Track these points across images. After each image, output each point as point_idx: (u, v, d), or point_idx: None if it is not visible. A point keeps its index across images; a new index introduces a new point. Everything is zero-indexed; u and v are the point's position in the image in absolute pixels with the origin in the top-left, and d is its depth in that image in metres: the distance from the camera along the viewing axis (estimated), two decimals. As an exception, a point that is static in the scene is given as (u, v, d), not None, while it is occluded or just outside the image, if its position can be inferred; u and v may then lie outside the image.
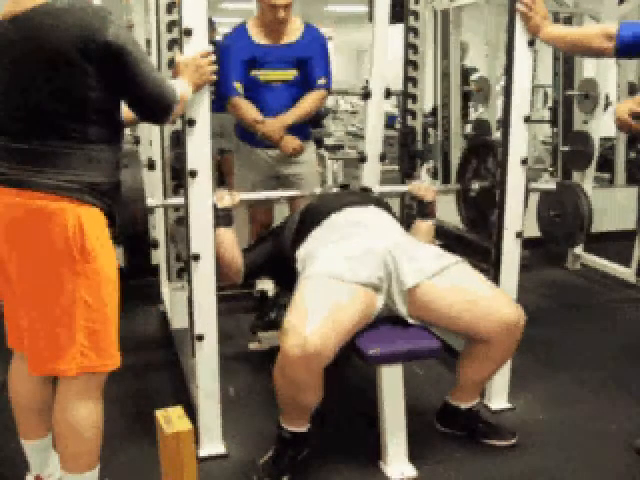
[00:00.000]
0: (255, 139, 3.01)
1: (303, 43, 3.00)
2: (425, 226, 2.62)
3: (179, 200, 2.18)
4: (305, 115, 2.99)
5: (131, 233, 2.02)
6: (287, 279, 2.38)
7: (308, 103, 2.98)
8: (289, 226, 2.49)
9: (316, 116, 5.65)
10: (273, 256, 2.50)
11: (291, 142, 2.93)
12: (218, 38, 4.43)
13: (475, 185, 2.72)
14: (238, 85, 2.93)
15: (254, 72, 2.97)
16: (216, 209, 2.17)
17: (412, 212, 2.85)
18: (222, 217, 2.27)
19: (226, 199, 2.34)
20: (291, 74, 3.00)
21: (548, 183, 4.31)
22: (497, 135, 4.60)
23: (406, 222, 2.97)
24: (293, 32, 2.99)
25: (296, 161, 3.12)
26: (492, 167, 2.63)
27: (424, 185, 2.70)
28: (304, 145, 3.11)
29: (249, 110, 2.93)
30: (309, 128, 3.30)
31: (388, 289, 2.16)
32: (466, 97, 5.48)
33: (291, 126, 2.95)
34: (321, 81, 3.00)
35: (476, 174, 2.74)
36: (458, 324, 2.14)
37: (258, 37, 2.97)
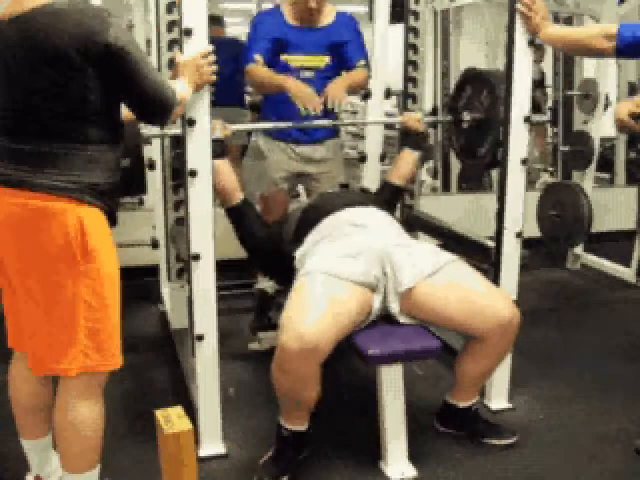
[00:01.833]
0: (287, 135, 2.88)
1: (336, 27, 2.85)
2: (411, 157, 2.75)
3: (176, 130, 2.14)
4: (354, 84, 2.78)
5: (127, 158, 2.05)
6: (286, 277, 2.38)
7: (355, 75, 2.80)
8: (289, 224, 2.49)
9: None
10: (272, 244, 2.48)
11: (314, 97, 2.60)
12: (229, 36, 4.41)
13: (467, 116, 2.70)
14: (258, 56, 2.75)
15: (284, 57, 2.82)
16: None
17: (405, 142, 2.83)
18: (214, 148, 2.23)
19: (218, 130, 2.35)
20: (323, 61, 2.84)
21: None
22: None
23: (406, 223, 2.97)
24: (325, 16, 2.85)
25: (323, 159, 2.98)
26: (484, 98, 2.60)
27: (416, 115, 2.78)
28: (330, 142, 2.99)
29: (265, 72, 2.73)
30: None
31: (384, 288, 2.16)
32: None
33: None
34: (361, 62, 2.84)
35: (468, 105, 2.71)
36: (453, 322, 2.14)
37: (291, 19, 2.83)
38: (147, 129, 2.33)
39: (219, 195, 2.38)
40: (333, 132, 3.05)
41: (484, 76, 2.67)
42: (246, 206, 2.49)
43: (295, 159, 2.96)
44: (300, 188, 3.16)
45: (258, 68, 2.75)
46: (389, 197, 2.72)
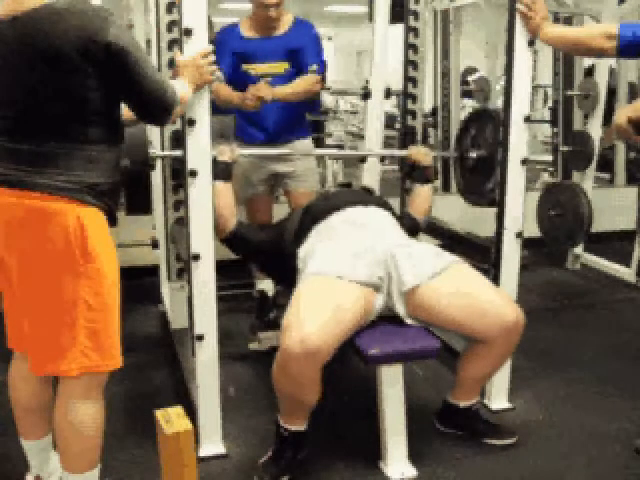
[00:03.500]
0: (252, 138, 2.99)
1: (293, 34, 2.96)
2: (426, 190, 2.74)
3: (178, 152, 2.18)
4: (293, 94, 2.87)
5: (133, 175, 2.11)
6: (287, 277, 2.38)
7: (298, 84, 2.88)
8: (290, 223, 2.48)
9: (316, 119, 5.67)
10: (272, 246, 2.48)
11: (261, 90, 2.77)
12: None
13: (473, 153, 2.72)
14: (219, 73, 2.78)
15: (245, 67, 2.94)
16: (215, 162, 2.22)
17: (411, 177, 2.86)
18: (221, 170, 2.26)
19: (226, 153, 2.37)
20: (282, 67, 2.94)
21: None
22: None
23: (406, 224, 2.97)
24: (283, 25, 2.96)
25: (293, 158, 3.09)
26: (490, 136, 2.63)
27: (423, 149, 2.80)
28: (298, 142, 3.08)
29: (226, 90, 2.88)
30: (307, 125, 3.27)
31: (388, 289, 2.16)
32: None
33: (288, 119, 2.94)
34: (312, 68, 2.90)
35: (474, 142, 2.74)
36: (456, 324, 2.14)
37: (248, 32, 2.96)
38: (153, 149, 2.33)
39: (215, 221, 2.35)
40: (305, 133, 3.17)
41: (489, 113, 2.71)
42: (242, 227, 2.46)
43: (267, 160, 3.07)
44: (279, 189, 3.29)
45: (220, 86, 2.87)
46: (410, 226, 2.64)
